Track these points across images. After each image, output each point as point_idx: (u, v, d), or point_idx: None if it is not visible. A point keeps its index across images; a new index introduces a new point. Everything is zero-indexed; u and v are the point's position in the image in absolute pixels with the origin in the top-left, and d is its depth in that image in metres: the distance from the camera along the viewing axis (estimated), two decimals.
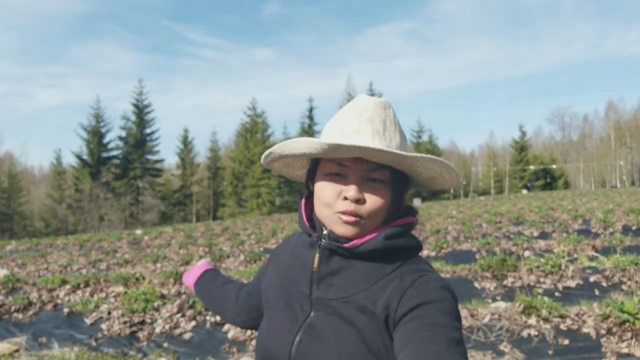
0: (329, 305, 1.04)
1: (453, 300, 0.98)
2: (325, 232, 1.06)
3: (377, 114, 1.04)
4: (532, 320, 4.21)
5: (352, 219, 1.01)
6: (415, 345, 0.90)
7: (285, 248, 1.24)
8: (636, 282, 5.60)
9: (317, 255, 1.07)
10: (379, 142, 1.01)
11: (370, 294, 1.01)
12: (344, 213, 1.01)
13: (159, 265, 11.29)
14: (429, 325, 0.92)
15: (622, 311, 4.00)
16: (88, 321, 5.51)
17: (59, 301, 6.50)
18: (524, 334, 4.10)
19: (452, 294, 0.99)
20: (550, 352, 3.91)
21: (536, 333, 4.08)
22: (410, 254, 1.07)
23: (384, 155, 0.99)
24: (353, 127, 1.03)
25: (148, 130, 56.28)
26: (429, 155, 1.01)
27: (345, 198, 1.01)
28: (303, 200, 1.18)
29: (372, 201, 1.02)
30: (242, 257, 11.45)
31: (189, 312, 5.26)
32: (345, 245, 1.03)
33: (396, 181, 1.06)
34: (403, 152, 0.99)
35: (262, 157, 1.13)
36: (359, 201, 1.01)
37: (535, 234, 11.75)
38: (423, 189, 1.19)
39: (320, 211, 1.06)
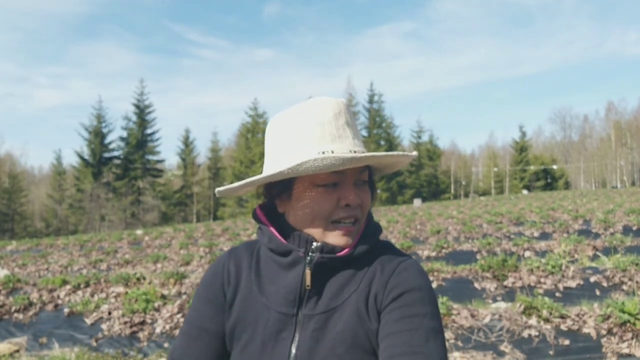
0: (320, 320, 1.01)
1: (430, 286, 1.02)
2: (315, 245, 1.01)
3: (349, 115, 1.05)
4: (533, 321, 4.21)
5: (352, 228, 1.01)
6: (396, 337, 0.93)
7: (229, 276, 1.11)
8: (637, 282, 5.59)
9: (308, 272, 1.01)
10: (359, 144, 1.03)
11: (360, 294, 1.01)
12: (345, 219, 1.00)
13: (159, 265, 11.27)
14: (409, 317, 0.95)
15: (623, 311, 4.00)
16: (88, 321, 5.51)
17: (60, 301, 6.50)
18: (525, 334, 4.09)
19: (428, 279, 1.03)
20: (551, 352, 3.91)
21: (537, 333, 4.07)
22: (380, 240, 1.11)
23: (386, 159, 1.02)
24: (334, 133, 1.01)
25: (149, 131, 56.52)
26: (405, 153, 1.05)
27: (347, 205, 1.00)
28: (261, 213, 1.10)
29: (365, 203, 1.04)
30: None
31: None
32: (339, 254, 1.01)
33: (371, 178, 1.09)
34: (405, 153, 1.03)
35: (243, 183, 1.07)
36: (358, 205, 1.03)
37: (536, 234, 11.73)
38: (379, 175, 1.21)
39: (313, 223, 1.02)
